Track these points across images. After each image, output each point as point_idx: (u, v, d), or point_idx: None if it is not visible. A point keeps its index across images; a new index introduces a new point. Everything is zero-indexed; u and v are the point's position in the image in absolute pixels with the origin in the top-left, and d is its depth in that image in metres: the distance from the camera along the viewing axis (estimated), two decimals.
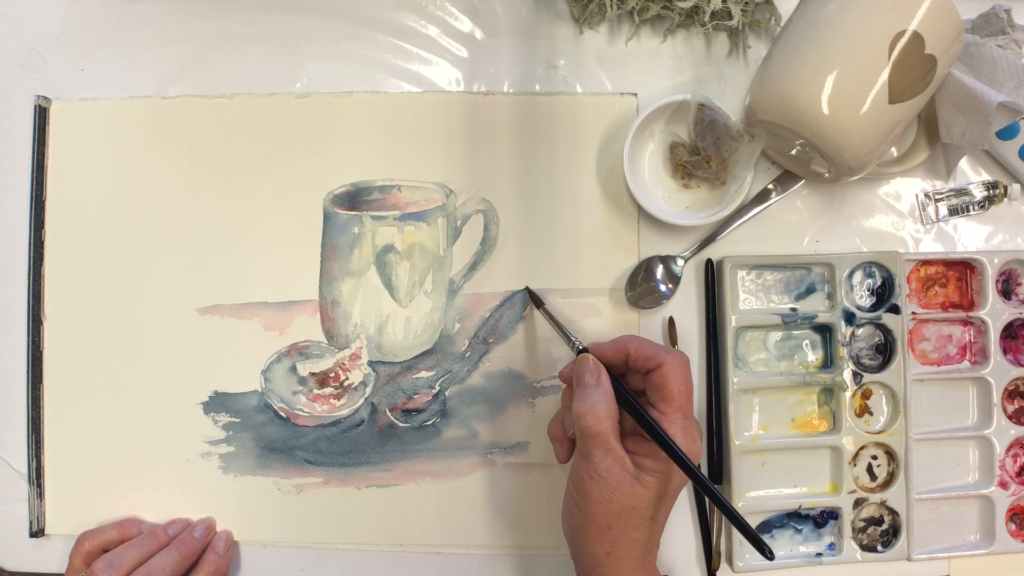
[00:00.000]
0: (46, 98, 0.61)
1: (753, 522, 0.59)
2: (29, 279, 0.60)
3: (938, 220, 0.61)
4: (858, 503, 0.58)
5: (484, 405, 0.59)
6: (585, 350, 0.51)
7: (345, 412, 0.60)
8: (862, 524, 0.59)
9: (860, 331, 0.60)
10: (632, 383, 0.51)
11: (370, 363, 0.60)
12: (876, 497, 0.58)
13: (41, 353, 0.60)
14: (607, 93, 0.61)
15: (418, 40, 0.61)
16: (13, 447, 0.60)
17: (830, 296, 0.59)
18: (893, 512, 0.59)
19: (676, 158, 0.59)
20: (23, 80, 0.61)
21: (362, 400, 0.60)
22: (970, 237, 0.61)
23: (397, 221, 0.60)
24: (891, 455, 0.59)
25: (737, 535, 0.57)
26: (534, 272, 0.60)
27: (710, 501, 0.58)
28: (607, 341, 0.51)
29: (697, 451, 0.47)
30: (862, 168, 0.52)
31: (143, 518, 0.59)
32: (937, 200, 0.61)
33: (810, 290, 0.60)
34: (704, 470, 0.59)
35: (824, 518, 0.59)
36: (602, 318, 0.59)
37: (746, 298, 0.60)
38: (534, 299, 0.58)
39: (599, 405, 0.47)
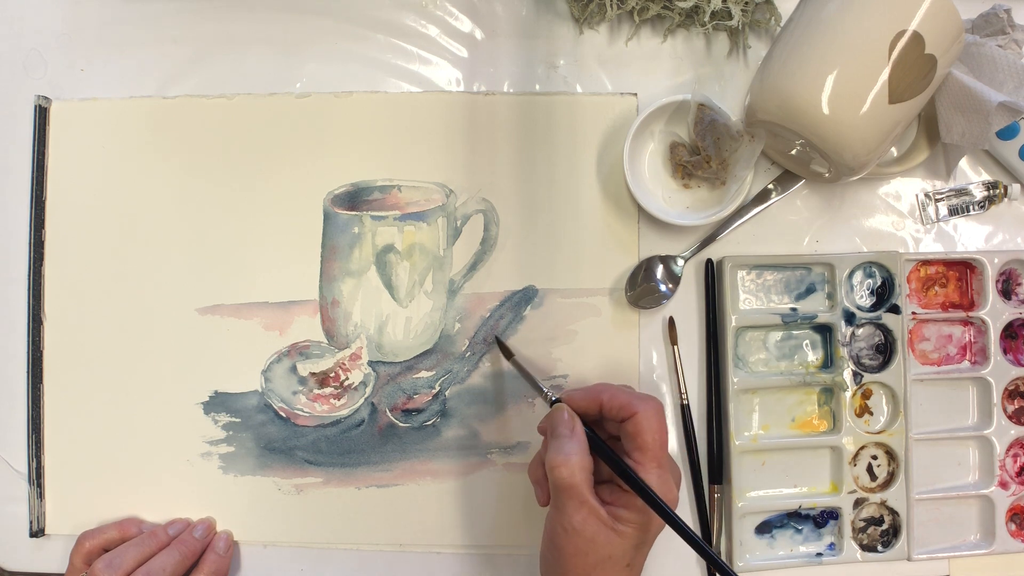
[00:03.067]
0: (46, 98, 0.61)
1: (753, 522, 0.59)
2: (29, 279, 0.60)
3: (938, 220, 0.61)
4: (858, 503, 0.58)
5: (484, 405, 0.59)
6: (559, 400, 0.50)
7: (345, 412, 0.60)
8: (862, 524, 0.59)
9: (860, 331, 0.60)
10: (607, 429, 0.50)
11: (370, 363, 0.60)
12: (876, 497, 0.58)
13: (41, 353, 0.60)
14: (607, 93, 0.61)
15: (418, 40, 0.61)
16: (13, 447, 0.60)
17: (830, 296, 0.59)
18: (893, 512, 0.59)
19: (676, 158, 0.59)
20: (23, 80, 0.61)
21: (362, 400, 0.60)
22: (970, 237, 0.61)
23: (397, 221, 0.60)
24: (891, 455, 0.59)
25: (737, 535, 0.57)
26: (534, 272, 0.60)
27: (707, 500, 0.58)
28: (580, 390, 0.50)
29: (674, 498, 0.47)
30: (862, 168, 0.52)
31: (143, 518, 0.59)
32: (937, 200, 0.61)
33: (810, 290, 0.60)
34: (704, 471, 0.59)
35: (824, 518, 0.59)
36: (602, 318, 0.59)
37: (746, 298, 0.60)
38: (504, 350, 0.58)
39: (572, 457, 0.46)
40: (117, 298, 0.60)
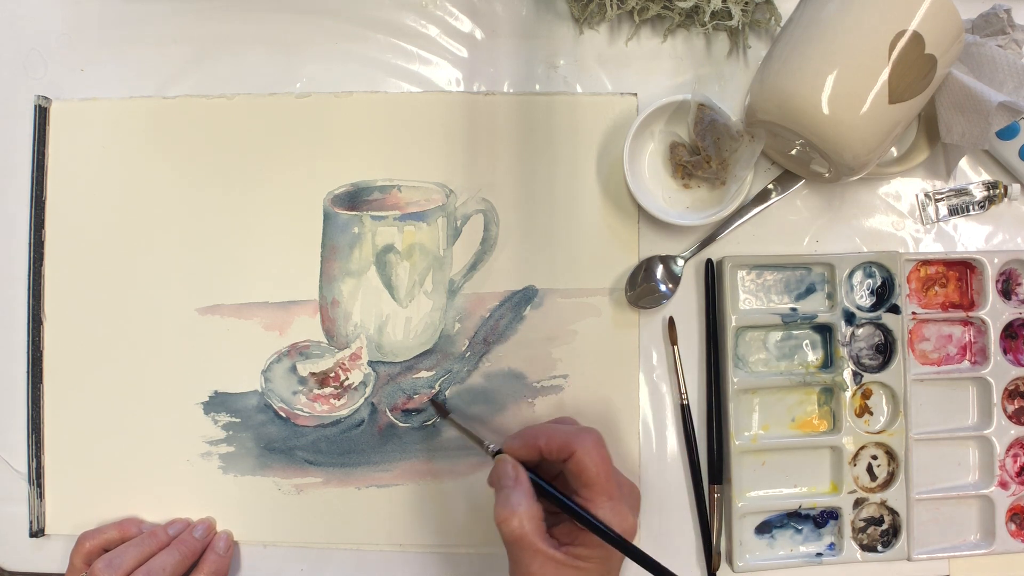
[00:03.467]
0: (46, 98, 0.61)
1: (753, 522, 0.59)
2: (29, 279, 0.60)
3: (938, 220, 0.61)
4: (858, 503, 0.58)
5: (484, 405, 0.59)
6: (500, 452, 0.50)
7: (345, 412, 0.60)
8: (862, 524, 0.59)
9: (860, 331, 0.60)
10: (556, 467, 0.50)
11: (370, 363, 0.60)
12: (876, 497, 0.58)
13: (41, 353, 0.60)
14: (607, 93, 0.61)
15: (418, 40, 0.61)
16: (13, 447, 0.60)
17: (830, 296, 0.59)
18: (893, 512, 0.59)
19: (676, 158, 0.59)
20: (23, 80, 0.61)
21: (362, 400, 0.60)
22: (970, 237, 0.61)
23: (397, 221, 0.60)
24: (891, 455, 0.59)
25: (737, 535, 0.57)
26: (534, 272, 0.60)
27: (707, 500, 0.58)
28: (518, 436, 0.50)
29: (630, 527, 0.46)
30: (862, 168, 0.52)
31: (143, 518, 0.59)
32: (937, 200, 0.61)
33: (810, 290, 0.60)
34: (704, 471, 0.59)
35: (824, 518, 0.59)
36: (602, 318, 0.59)
37: (746, 298, 0.60)
38: (439, 410, 0.58)
39: (519, 508, 0.46)
40: (117, 298, 0.60)
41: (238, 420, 0.60)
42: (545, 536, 0.46)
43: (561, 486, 0.48)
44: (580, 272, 0.60)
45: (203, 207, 0.60)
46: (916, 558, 0.58)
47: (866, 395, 0.60)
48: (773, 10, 0.59)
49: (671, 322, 0.59)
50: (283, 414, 0.60)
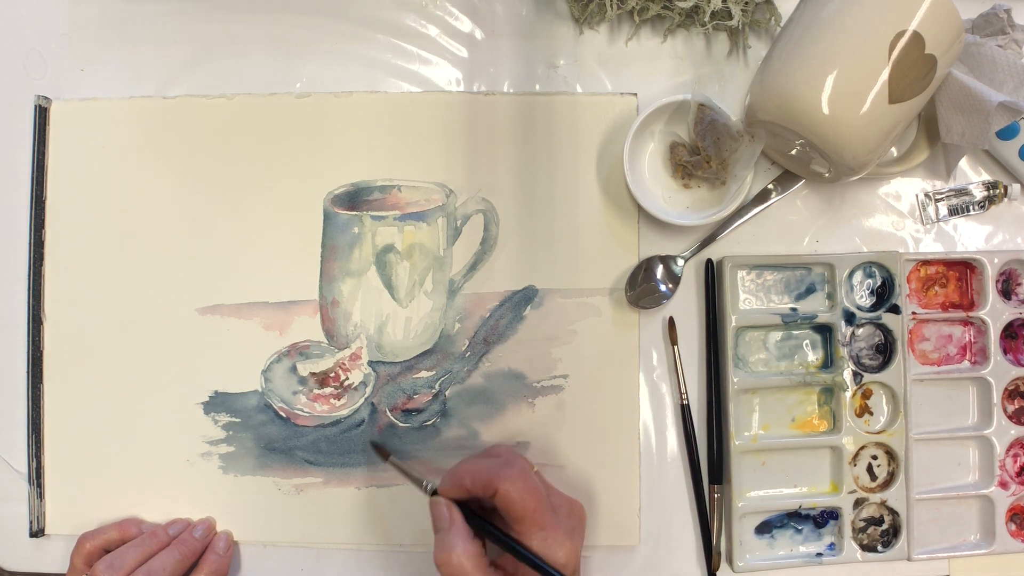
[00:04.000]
0: (46, 98, 0.61)
1: (753, 522, 0.59)
2: (29, 279, 0.60)
3: (938, 220, 0.61)
4: (858, 503, 0.58)
5: (484, 405, 0.59)
6: (435, 493, 0.50)
7: (345, 412, 0.60)
8: (862, 524, 0.59)
9: (860, 331, 0.60)
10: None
11: (370, 363, 0.60)
12: (876, 497, 0.58)
13: (41, 353, 0.60)
14: (607, 93, 0.61)
15: (418, 40, 0.61)
16: (13, 447, 0.60)
17: (830, 296, 0.59)
18: (893, 512, 0.59)
19: (676, 158, 0.59)
20: (23, 80, 0.61)
21: (362, 400, 0.60)
22: (970, 237, 0.61)
23: (397, 221, 0.60)
24: (891, 455, 0.59)
25: (737, 535, 0.57)
26: (534, 272, 0.60)
27: (707, 500, 0.58)
28: (448, 475, 0.50)
29: (567, 553, 0.47)
30: (862, 168, 0.52)
31: (143, 518, 0.59)
32: (937, 200, 0.61)
33: (810, 290, 0.60)
34: (704, 471, 0.59)
35: (824, 518, 0.59)
36: (602, 318, 0.59)
37: (746, 298, 0.60)
38: (380, 452, 0.56)
39: (456, 548, 0.46)
40: (117, 298, 0.60)
41: (238, 420, 0.60)
42: (486, 571, 0.47)
43: (499, 519, 0.49)
44: (580, 272, 0.60)
45: (203, 207, 0.60)
46: (916, 558, 0.58)
47: (866, 395, 0.60)
48: (773, 10, 0.59)
49: (671, 322, 0.59)
50: (283, 414, 0.60)
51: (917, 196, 0.61)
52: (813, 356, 0.60)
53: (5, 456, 0.60)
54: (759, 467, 0.59)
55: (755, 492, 0.59)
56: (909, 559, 0.58)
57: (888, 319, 0.59)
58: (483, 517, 0.49)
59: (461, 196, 0.60)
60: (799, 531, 0.59)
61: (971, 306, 0.60)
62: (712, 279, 0.59)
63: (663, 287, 0.59)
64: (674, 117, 0.59)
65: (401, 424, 0.59)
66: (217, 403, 0.60)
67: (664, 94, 0.59)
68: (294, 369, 0.60)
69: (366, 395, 0.60)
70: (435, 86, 0.61)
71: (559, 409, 0.59)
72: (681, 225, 0.57)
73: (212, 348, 0.60)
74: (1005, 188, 0.61)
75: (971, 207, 0.61)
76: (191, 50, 0.61)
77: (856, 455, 0.59)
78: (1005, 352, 0.60)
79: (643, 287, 0.58)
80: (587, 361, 0.59)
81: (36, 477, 0.59)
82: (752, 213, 0.59)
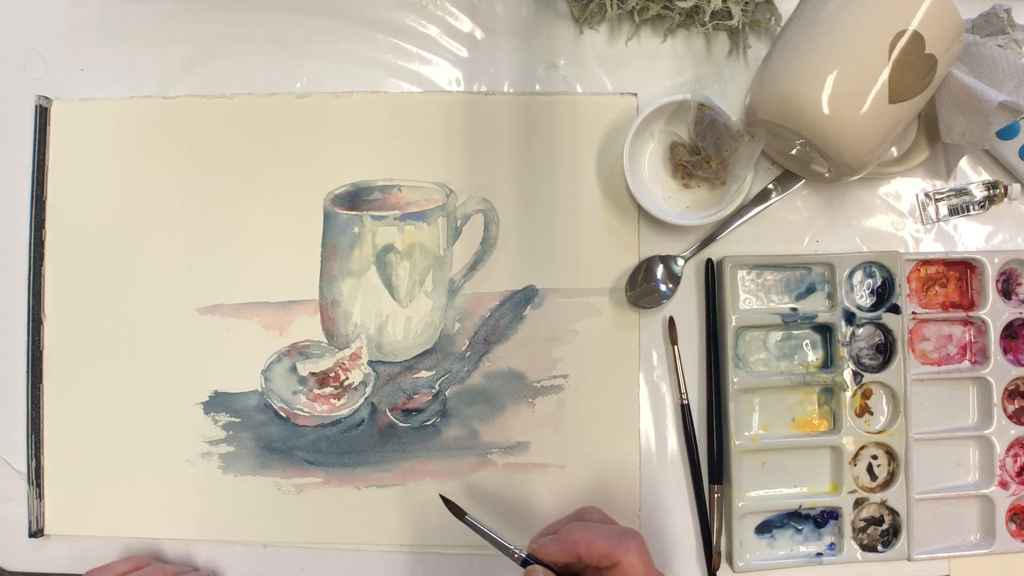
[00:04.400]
0: (46, 98, 0.61)
1: (753, 522, 0.59)
2: (29, 279, 0.60)
3: (938, 220, 0.61)
4: (858, 503, 0.58)
5: (484, 405, 0.59)
6: (529, 559, 0.47)
7: (345, 412, 0.60)
8: (862, 524, 0.59)
9: (860, 331, 0.60)
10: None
11: (370, 363, 0.60)
12: (876, 497, 0.58)
13: (41, 353, 0.60)
14: (607, 93, 0.61)
15: (418, 40, 0.61)
16: (13, 447, 0.60)
17: (830, 296, 0.59)
18: (893, 512, 0.59)
19: (676, 158, 0.59)
20: (23, 80, 0.61)
21: (362, 400, 0.60)
22: (970, 237, 0.61)
23: (397, 221, 0.60)
24: (891, 455, 0.59)
25: (737, 535, 0.57)
26: (534, 272, 0.60)
27: (707, 500, 0.58)
28: (553, 541, 0.47)
29: None
30: (862, 168, 0.52)
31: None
32: (937, 200, 0.61)
33: (810, 290, 0.60)
34: (704, 471, 0.59)
35: (824, 518, 0.59)
36: (602, 318, 0.59)
37: (746, 298, 0.60)
38: (454, 509, 0.52)
39: None
40: (117, 298, 0.60)
41: (238, 420, 0.59)
42: None
43: None
44: (580, 272, 0.60)
45: (203, 207, 0.60)
46: (916, 558, 0.58)
47: (866, 395, 0.60)
48: (773, 10, 0.59)
49: (671, 322, 0.59)
50: (283, 414, 0.60)
51: (917, 196, 0.61)
52: (813, 356, 0.60)
53: (5, 456, 0.60)
54: (759, 467, 0.59)
55: (755, 492, 0.59)
56: (909, 559, 0.58)
57: (888, 319, 0.59)
58: None
59: (461, 196, 0.60)
60: (799, 531, 0.59)
61: (971, 306, 0.60)
62: (712, 279, 0.59)
63: (663, 287, 0.59)
64: (674, 117, 0.59)
65: (401, 424, 0.59)
66: (217, 403, 0.60)
67: (664, 94, 0.59)
68: (294, 369, 0.60)
69: (366, 395, 0.60)
70: (435, 86, 0.61)
71: (559, 409, 0.59)
72: (681, 225, 0.57)
73: (212, 348, 0.60)
74: (1005, 188, 0.61)
75: (971, 207, 0.61)
76: (191, 50, 0.61)
77: (856, 455, 0.59)
78: (1005, 352, 0.60)
79: (643, 287, 0.58)
80: (587, 361, 0.59)
81: (35, 477, 0.59)
82: (752, 213, 0.59)
